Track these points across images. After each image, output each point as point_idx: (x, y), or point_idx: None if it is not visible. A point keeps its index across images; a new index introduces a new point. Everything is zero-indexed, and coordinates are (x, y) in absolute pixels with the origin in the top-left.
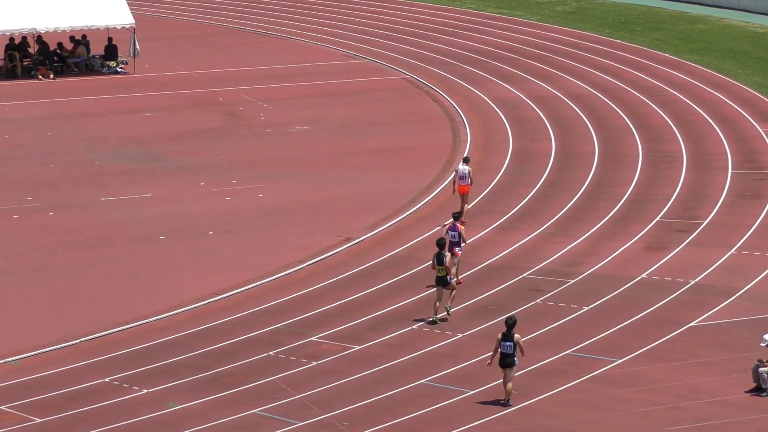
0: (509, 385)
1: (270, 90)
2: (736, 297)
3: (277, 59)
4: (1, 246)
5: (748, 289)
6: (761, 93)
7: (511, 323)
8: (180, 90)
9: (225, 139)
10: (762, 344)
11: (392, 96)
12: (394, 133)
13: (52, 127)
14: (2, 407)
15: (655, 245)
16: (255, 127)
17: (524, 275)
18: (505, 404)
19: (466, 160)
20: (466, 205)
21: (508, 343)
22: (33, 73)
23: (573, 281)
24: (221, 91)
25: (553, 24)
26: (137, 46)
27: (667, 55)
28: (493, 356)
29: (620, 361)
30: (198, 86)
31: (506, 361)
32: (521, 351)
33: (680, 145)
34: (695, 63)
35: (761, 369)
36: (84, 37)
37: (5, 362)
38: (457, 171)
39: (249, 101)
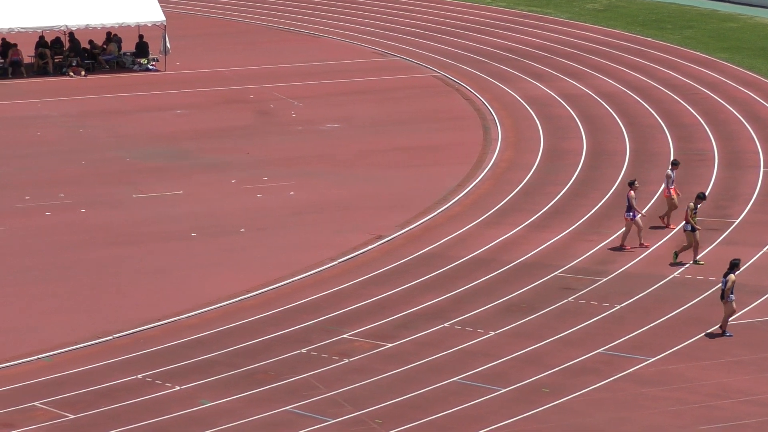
0: (725, 317)
1: (301, 87)
2: None
3: (308, 57)
4: (34, 242)
5: None
6: None
7: (732, 263)
8: (210, 87)
9: (255, 136)
10: None
11: (423, 94)
12: (424, 131)
13: (83, 124)
14: (35, 403)
15: (686, 244)
16: (285, 125)
17: (556, 273)
18: (723, 334)
19: (674, 164)
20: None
21: (723, 279)
22: (64, 70)
23: (604, 279)
24: (252, 89)
25: (584, 22)
26: (168, 44)
27: (698, 53)
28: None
29: (652, 359)
30: (228, 84)
31: (721, 295)
32: (730, 291)
33: (712, 143)
34: (726, 61)
35: None
36: (115, 34)
37: (38, 359)
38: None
39: (280, 99)
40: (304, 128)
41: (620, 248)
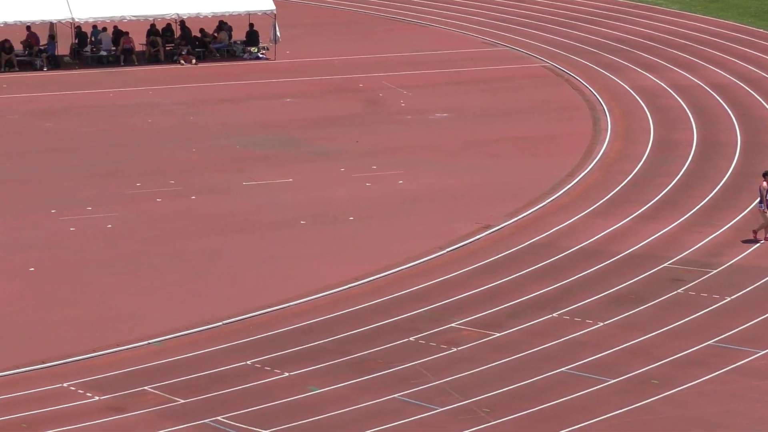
0: None
1: (410, 77)
2: None
3: (417, 46)
4: (145, 229)
5: None
6: None
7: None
8: (320, 76)
9: (364, 125)
10: None
11: (532, 84)
12: (533, 121)
13: (194, 112)
14: (146, 388)
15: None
16: (395, 114)
17: (665, 265)
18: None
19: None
20: None
21: None
22: (175, 58)
23: (715, 271)
24: (361, 78)
25: (694, 12)
26: (278, 32)
27: None
28: None
29: (763, 352)
30: (338, 72)
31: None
32: None
33: None
34: None
35: None
36: (226, 23)
37: (149, 343)
38: None
39: (389, 88)
40: (413, 117)
41: (754, 240)
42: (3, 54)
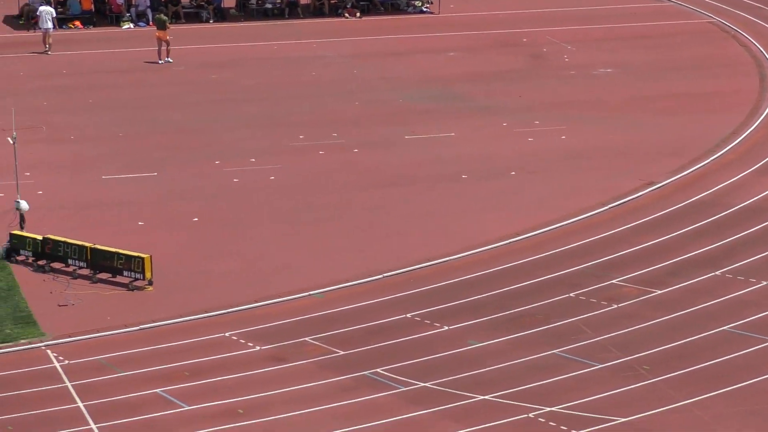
0: None
1: (574, 32)
2: None
3: (581, 1)
4: (307, 182)
5: None
6: None
7: None
8: (484, 30)
9: (528, 80)
10: None
11: (698, 40)
12: (698, 78)
13: (358, 65)
14: (306, 339)
15: None
16: (558, 69)
17: None
18: None
19: None
20: None
21: None
22: (340, 11)
23: None
24: (525, 32)
25: None
26: None
27: None
28: None
29: None
30: (501, 27)
31: None
32: None
33: None
34: None
35: None
36: None
37: (310, 295)
38: None
39: (552, 43)
40: (577, 73)
41: None
42: (170, 6)
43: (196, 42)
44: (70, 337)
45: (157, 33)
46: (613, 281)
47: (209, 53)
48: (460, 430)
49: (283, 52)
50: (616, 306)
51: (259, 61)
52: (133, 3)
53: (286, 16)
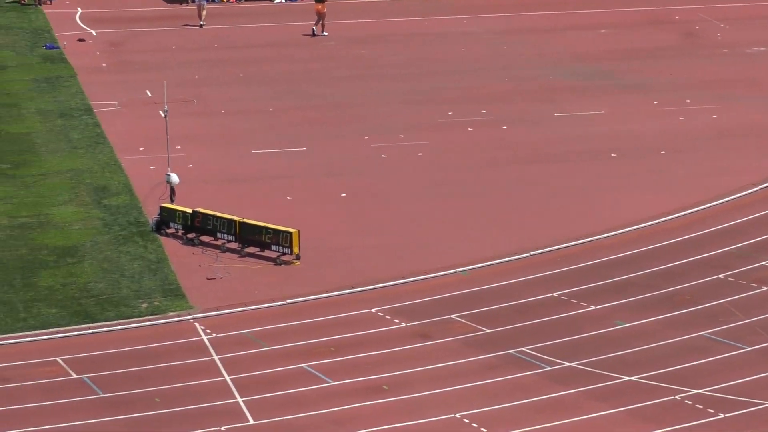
0: None
1: (728, 9)
2: None
3: None
4: (455, 158)
5: None
6: None
7: None
8: (635, 8)
9: (679, 58)
10: None
11: None
12: None
13: (507, 41)
14: (451, 316)
15: None
16: (710, 47)
17: None
18: None
19: None
20: None
21: None
22: None
23: None
24: (677, 10)
25: None
26: None
27: None
28: None
29: None
30: (654, 4)
31: None
32: None
33: None
34: None
35: None
36: None
37: (455, 272)
38: None
39: (706, 20)
40: (730, 51)
41: None
42: None
43: (347, 17)
44: (217, 310)
45: (317, 6)
46: (763, 263)
47: (359, 28)
48: (606, 410)
49: (432, 28)
50: (766, 288)
51: (408, 36)
52: None
53: None
